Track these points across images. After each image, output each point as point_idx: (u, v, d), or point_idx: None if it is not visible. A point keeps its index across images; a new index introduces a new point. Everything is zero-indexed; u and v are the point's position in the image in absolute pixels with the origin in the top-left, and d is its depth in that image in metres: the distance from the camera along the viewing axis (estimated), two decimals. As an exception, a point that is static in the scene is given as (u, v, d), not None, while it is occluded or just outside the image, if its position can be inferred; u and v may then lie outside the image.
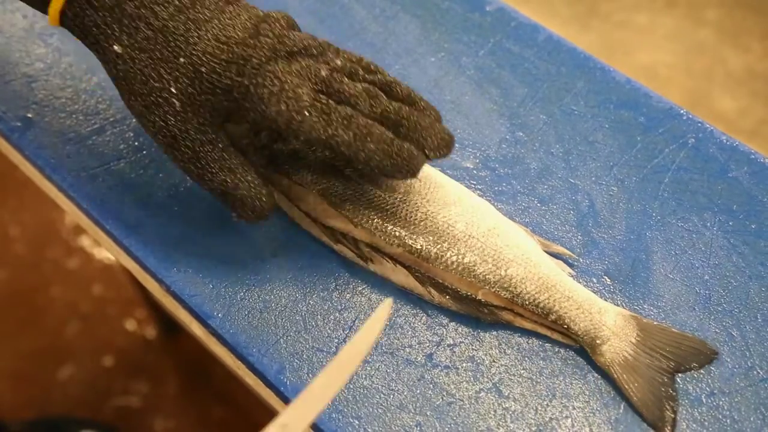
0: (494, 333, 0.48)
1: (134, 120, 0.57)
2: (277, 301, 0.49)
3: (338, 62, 0.47)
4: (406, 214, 0.49)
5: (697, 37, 1.70)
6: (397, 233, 0.48)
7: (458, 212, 0.49)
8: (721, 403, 0.45)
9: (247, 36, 0.45)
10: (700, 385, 0.45)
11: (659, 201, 0.52)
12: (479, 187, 0.53)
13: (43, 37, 0.62)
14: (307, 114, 0.44)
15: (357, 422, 0.45)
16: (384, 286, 0.49)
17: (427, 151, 0.46)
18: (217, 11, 0.46)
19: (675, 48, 1.69)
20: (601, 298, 0.49)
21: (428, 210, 0.49)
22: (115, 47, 0.46)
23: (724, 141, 0.54)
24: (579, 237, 0.51)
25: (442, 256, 0.48)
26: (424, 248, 0.48)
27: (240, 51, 0.44)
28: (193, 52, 0.45)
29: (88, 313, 1.40)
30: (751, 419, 0.44)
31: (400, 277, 0.49)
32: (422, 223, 0.48)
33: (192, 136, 0.46)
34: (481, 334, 0.48)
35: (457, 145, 0.55)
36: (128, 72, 0.46)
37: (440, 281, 0.48)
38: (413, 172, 0.46)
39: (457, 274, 0.47)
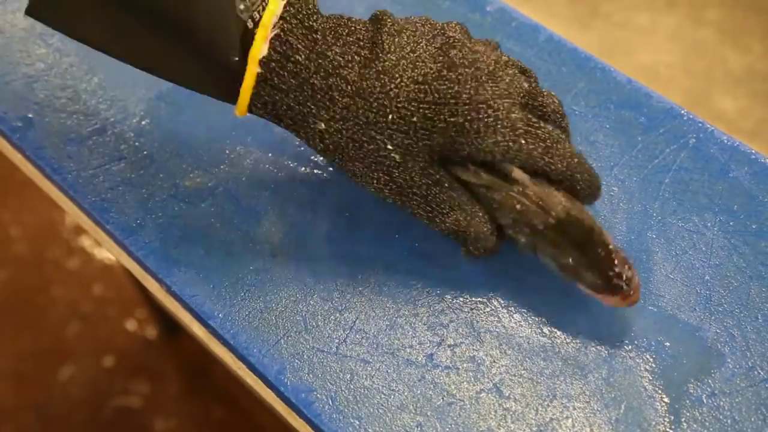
0: (495, 333, 0.48)
1: (135, 120, 0.57)
2: (278, 301, 0.49)
3: (520, 62, 0.48)
4: None
5: (697, 37, 1.70)
6: None
7: None
8: (721, 403, 0.45)
9: (442, 67, 0.44)
10: (701, 385, 0.45)
11: (660, 201, 0.52)
12: (480, 187, 0.53)
13: (44, 38, 0.62)
14: (523, 142, 0.44)
15: (357, 422, 0.45)
16: (385, 286, 0.49)
17: None
18: (398, 48, 0.44)
19: (675, 48, 1.69)
20: (602, 298, 0.49)
21: None
22: (318, 125, 0.45)
23: (725, 141, 0.54)
24: (579, 237, 0.51)
25: None
26: None
27: (445, 89, 0.43)
28: (398, 104, 0.44)
29: (88, 313, 1.40)
30: (752, 419, 0.44)
31: None
32: None
33: (418, 182, 0.45)
34: (482, 334, 0.48)
35: (457, 145, 0.55)
36: (338, 143, 0.45)
37: None
38: (597, 198, 0.47)
39: None
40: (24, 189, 1.54)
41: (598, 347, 0.47)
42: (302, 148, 0.55)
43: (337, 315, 0.48)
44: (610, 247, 0.45)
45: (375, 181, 0.46)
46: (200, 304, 0.49)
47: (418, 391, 0.46)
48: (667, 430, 0.44)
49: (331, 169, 0.54)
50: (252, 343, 0.48)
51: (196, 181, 0.54)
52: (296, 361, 0.47)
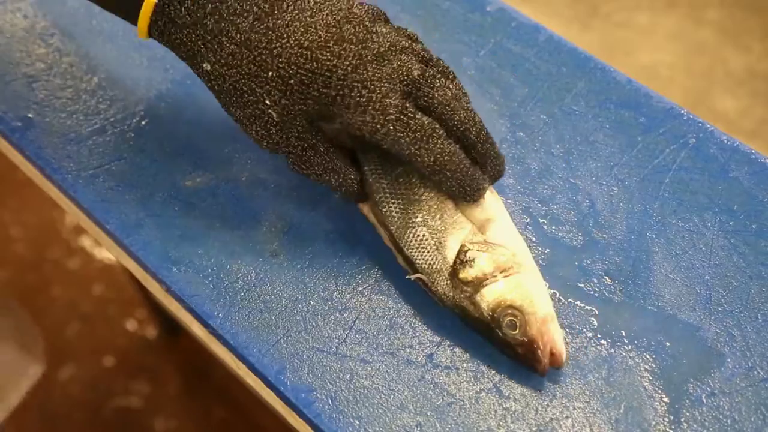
0: (495, 333, 0.48)
1: (135, 120, 0.57)
2: (278, 301, 0.49)
3: (427, 55, 0.47)
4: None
5: (697, 37, 1.70)
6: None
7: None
8: (721, 403, 0.45)
9: (330, 38, 0.44)
10: (700, 385, 0.45)
11: (660, 201, 0.52)
12: (480, 187, 0.53)
13: (44, 38, 0.62)
14: (391, 128, 0.44)
15: (357, 422, 0.45)
16: (385, 286, 0.49)
17: (488, 178, 0.48)
18: (297, 10, 0.45)
19: (676, 48, 1.69)
20: (602, 298, 0.49)
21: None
22: (204, 65, 0.46)
23: (725, 141, 0.54)
24: (579, 237, 0.51)
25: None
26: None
27: (325, 60, 0.44)
28: (279, 64, 0.44)
29: (88, 313, 1.40)
30: (752, 419, 0.44)
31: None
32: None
33: (294, 143, 0.46)
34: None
35: (457, 145, 0.55)
36: (222, 87, 0.46)
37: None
38: (475, 200, 0.47)
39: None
40: (24, 189, 1.54)
41: (598, 347, 0.47)
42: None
43: (337, 315, 0.48)
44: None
45: (254, 132, 0.47)
46: (200, 305, 0.49)
47: (418, 391, 0.46)
48: (667, 430, 0.44)
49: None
50: (252, 343, 0.48)
51: (196, 181, 0.54)
52: (296, 361, 0.47)
